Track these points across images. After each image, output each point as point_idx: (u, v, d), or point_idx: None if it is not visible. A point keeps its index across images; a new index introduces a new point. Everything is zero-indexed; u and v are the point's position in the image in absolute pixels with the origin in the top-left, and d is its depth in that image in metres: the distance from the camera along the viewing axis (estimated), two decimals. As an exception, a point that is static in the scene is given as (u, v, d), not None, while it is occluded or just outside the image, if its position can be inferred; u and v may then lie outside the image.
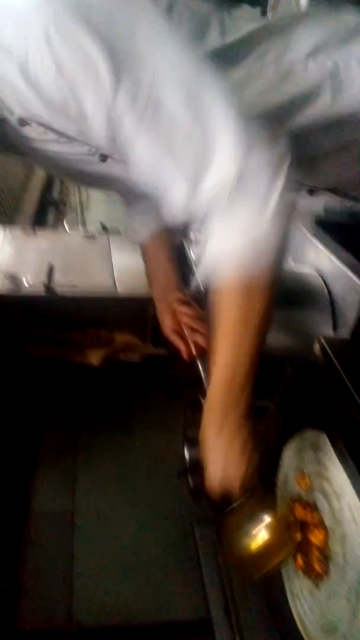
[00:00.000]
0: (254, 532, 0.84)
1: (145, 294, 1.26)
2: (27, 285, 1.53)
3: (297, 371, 0.95)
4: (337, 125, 0.93)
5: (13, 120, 0.75)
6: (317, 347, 0.91)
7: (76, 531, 1.23)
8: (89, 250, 1.81)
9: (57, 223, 3.09)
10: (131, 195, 1.14)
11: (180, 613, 1.09)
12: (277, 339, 1.27)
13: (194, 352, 1.12)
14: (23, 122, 0.75)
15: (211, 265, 0.76)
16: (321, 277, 1.40)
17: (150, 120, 0.68)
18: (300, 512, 0.89)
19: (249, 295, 0.76)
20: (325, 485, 0.84)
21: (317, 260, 1.45)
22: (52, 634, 1.05)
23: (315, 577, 0.85)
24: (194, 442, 0.93)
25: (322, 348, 0.89)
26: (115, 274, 1.66)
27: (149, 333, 1.56)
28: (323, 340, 0.90)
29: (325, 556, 0.82)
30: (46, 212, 3.24)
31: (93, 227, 2.60)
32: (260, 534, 0.83)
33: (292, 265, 1.54)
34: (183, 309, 1.14)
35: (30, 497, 1.30)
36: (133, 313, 1.53)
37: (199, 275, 0.80)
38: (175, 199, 0.74)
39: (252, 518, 0.84)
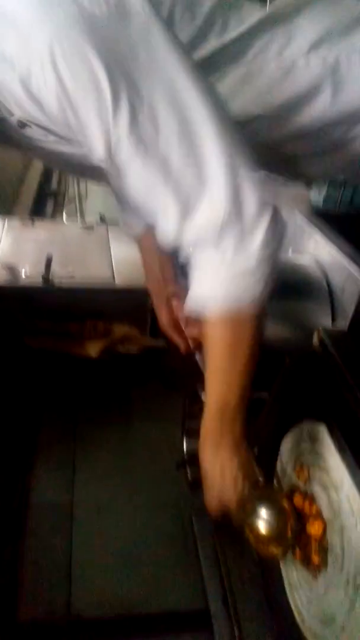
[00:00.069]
0: (253, 525, 0.84)
1: (144, 286, 1.25)
2: (25, 277, 1.52)
3: (296, 362, 0.95)
4: (337, 123, 0.92)
5: (13, 121, 0.75)
6: (316, 338, 0.91)
7: (74, 522, 1.23)
8: (87, 242, 1.80)
9: (56, 214, 3.09)
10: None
11: (178, 604, 1.09)
12: (275, 330, 1.27)
13: (191, 345, 1.11)
14: (23, 124, 0.75)
15: (198, 299, 0.78)
16: (320, 268, 1.40)
17: (145, 149, 0.69)
18: (298, 503, 0.89)
19: (235, 328, 0.78)
20: (324, 476, 0.84)
21: (316, 251, 1.44)
22: (51, 624, 1.05)
23: (313, 568, 0.85)
24: (193, 433, 0.94)
25: (321, 339, 0.89)
26: (114, 265, 1.65)
27: (148, 325, 1.55)
28: (322, 332, 0.90)
29: (324, 548, 0.82)
30: (44, 203, 3.23)
31: (91, 218, 2.59)
32: (259, 526, 0.83)
33: (291, 256, 1.53)
34: (179, 303, 1.14)
35: (29, 488, 1.30)
36: (132, 305, 1.52)
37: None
38: (165, 229, 0.75)
39: (252, 511, 0.84)
